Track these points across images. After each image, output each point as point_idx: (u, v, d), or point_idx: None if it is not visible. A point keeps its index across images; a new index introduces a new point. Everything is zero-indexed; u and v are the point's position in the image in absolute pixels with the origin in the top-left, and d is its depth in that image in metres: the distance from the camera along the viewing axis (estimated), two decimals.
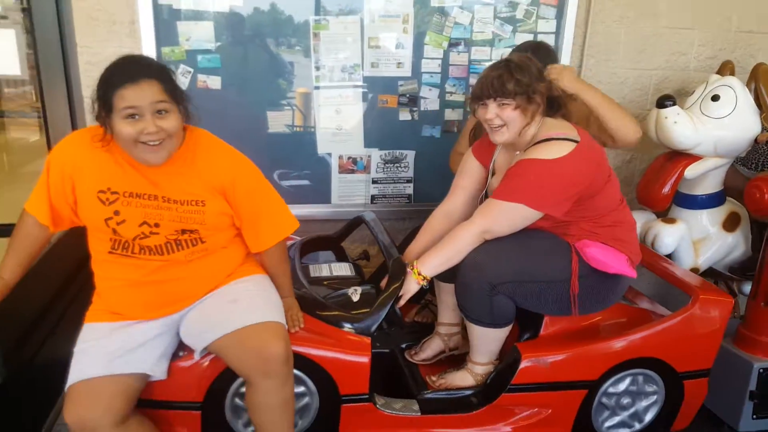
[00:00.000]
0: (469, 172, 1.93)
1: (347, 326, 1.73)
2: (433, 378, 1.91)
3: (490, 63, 1.74)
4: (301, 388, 1.70)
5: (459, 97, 2.56)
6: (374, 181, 2.59)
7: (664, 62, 2.76)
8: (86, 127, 1.61)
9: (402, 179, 2.62)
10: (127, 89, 1.33)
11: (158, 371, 1.54)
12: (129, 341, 1.52)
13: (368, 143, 2.54)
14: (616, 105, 2.06)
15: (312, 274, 2.03)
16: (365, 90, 2.47)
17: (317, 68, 2.41)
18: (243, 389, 1.63)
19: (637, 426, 1.93)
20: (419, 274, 1.71)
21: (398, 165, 2.59)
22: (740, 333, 2.30)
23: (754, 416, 2.20)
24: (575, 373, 1.80)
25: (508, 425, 1.83)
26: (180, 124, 1.43)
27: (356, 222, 2.31)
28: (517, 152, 1.76)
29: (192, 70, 2.31)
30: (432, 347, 2.03)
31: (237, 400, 1.67)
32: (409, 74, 2.49)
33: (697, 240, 2.51)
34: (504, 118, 1.66)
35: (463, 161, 1.97)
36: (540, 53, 2.02)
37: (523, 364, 1.75)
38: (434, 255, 1.72)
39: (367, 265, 2.41)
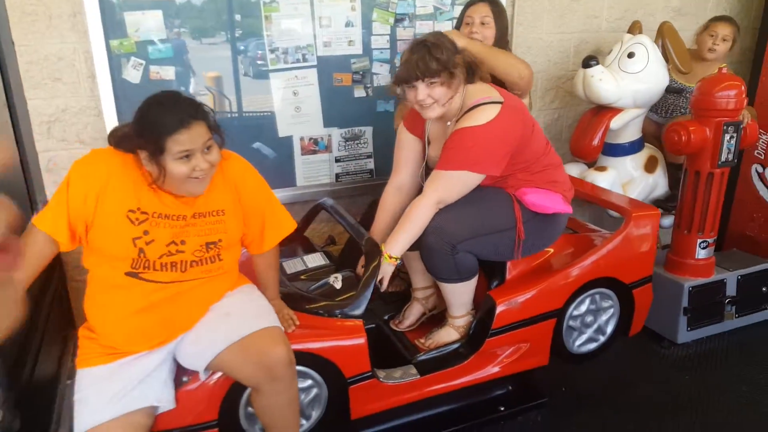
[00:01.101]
0: (407, 146, 2.05)
1: (338, 313, 1.80)
2: (422, 341, 2.06)
3: (408, 45, 1.84)
4: (308, 382, 1.75)
5: None
6: (337, 160, 2.66)
7: (582, 25, 3.05)
8: (118, 150, 1.53)
9: (363, 155, 2.71)
10: (181, 134, 1.39)
11: (165, 400, 1.55)
12: (130, 378, 1.51)
13: (327, 122, 2.60)
14: (501, 52, 2.25)
15: (289, 271, 2.07)
16: (320, 69, 2.51)
17: (271, 51, 2.41)
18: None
19: (602, 338, 2.22)
20: (390, 257, 1.82)
21: (358, 142, 2.68)
22: (669, 259, 2.70)
23: (689, 328, 2.62)
24: (543, 305, 2.02)
25: (496, 366, 2.03)
26: (220, 153, 1.50)
27: (316, 210, 2.38)
28: (449, 122, 1.90)
29: (144, 62, 2.23)
30: (413, 313, 2.19)
31: (250, 409, 1.70)
32: (360, 51, 2.56)
33: (625, 183, 2.86)
34: (434, 96, 1.78)
35: (399, 137, 2.09)
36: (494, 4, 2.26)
37: (499, 309, 1.94)
38: (398, 235, 1.83)
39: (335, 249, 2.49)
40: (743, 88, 2.39)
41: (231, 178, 1.61)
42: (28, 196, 2.29)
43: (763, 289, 2.75)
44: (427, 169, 2.02)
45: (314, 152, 2.62)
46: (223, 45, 2.35)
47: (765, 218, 3.21)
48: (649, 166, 2.89)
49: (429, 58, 1.73)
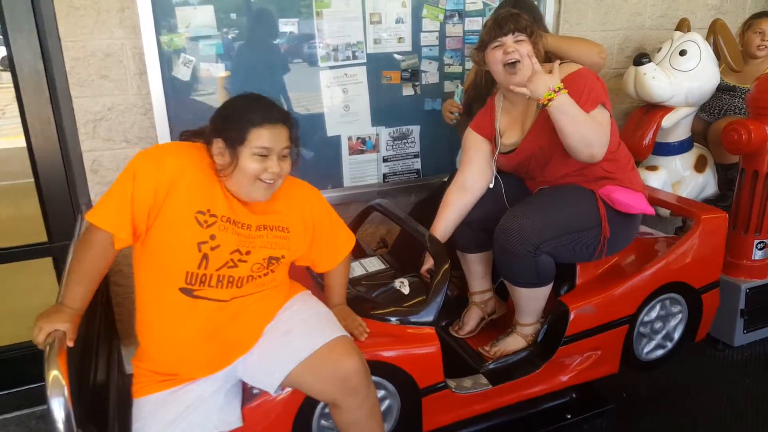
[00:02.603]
0: (473, 146, 2.02)
1: (409, 320, 1.73)
2: (486, 348, 2.00)
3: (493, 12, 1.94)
4: (381, 392, 1.67)
5: (456, 68, 2.62)
6: (384, 160, 2.60)
7: (625, 23, 3.01)
8: (184, 142, 1.48)
9: (410, 155, 2.64)
10: (266, 129, 1.38)
11: (226, 423, 1.47)
12: (186, 404, 1.44)
13: (375, 121, 2.53)
14: (572, 38, 2.28)
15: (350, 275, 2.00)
16: (369, 67, 2.45)
17: (322, 48, 2.34)
18: (327, 410, 1.60)
19: (669, 345, 2.17)
20: (556, 91, 1.67)
21: (405, 141, 2.61)
22: (726, 260, 2.64)
23: (745, 331, 2.57)
24: (616, 311, 1.97)
25: (566, 375, 1.97)
26: (290, 166, 1.47)
27: (367, 211, 2.31)
28: (528, 97, 1.77)
29: (194, 59, 2.15)
30: (473, 318, 2.13)
31: (323, 422, 1.63)
32: (409, 49, 2.50)
33: (675, 183, 2.81)
34: (521, 52, 1.75)
35: (465, 139, 2.06)
36: (522, 5, 2.17)
37: (572, 315, 1.88)
38: (572, 106, 1.69)
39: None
40: None
41: (297, 202, 1.57)
42: (70, 198, 2.21)
43: None
44: (500, 161, 2.00)
45: (362, 152, 2.55)
46: (274, 42, 2.27)
47: None
48: (699, 166, 2.84)
49: (518, 15, 1.77)
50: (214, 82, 2.21)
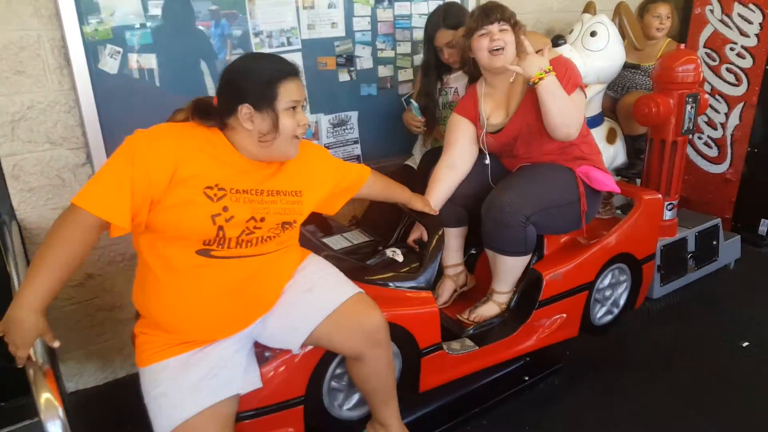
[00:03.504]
0: (457, 128, 2.14)
1: (408, 284, 1.81)
2: (464, 315, 2.11)
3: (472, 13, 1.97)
4: None
5: (389, 53, 2.65)
6: (326, 147, 2.58)
7: (537, 6, 3.19)
8: (175, 123, 1.43)
9: (350, 141, 2.65)
10: (292, 82, 1.38)
11: (249, 384, 1.49)
12: (210, 366, 1.43)
13: (314, 109, 2.51)
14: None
15: (336, 247, 2.04)
16: (305, 53, 2.41)
17: (255, 35, 2.27)
18: (338, 371, 1.64)
19: (615, 311, 2.41)
20: (546, 72, 1.85)
21: (344, 127, 2.61)
22: None
23: (662, 284, 2.86)
24: (579, 278, 2.16)
25: (536, 336, 2.13)
26: None
27: None
28: (511, 79, 2.02)
29: (121, 49, 2.01)
30: (446, 289, 2.23)
31: (333, 383, 1.67)
32: (343, 34, 2.49)
33: None
34: (505, 41, 1.91)
35: (449, 123, 2.17)
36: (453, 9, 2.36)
37: (545, 281, 2.05)
38: (558, 89, 1.88)
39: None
40: (699, 62, 2.63)
41: (307, 163, 1.57)
42: None
43: (714, 242, 3.07)
44: (488, 140, 2.11)
45: None
46: (205, 29, 2.17)
47: (696, 179, 3.59)
48: (610, 138, 3.09)
49: (503, 6, 1.91)
50: (144, 73, 2.07)
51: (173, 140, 1.35)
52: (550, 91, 1.86)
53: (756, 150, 3.37)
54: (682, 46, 2.65)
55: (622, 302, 2.40)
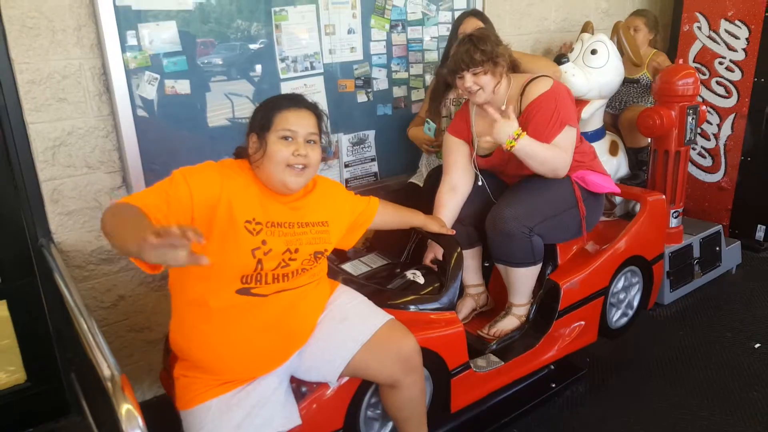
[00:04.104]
0: (454, 150, 2.21)
1: (431, 306, 1.84)
2: (485, 331, 2.17)
3: (457, 41, 2.06)
4: None
5: (403, 75, 2.77)
6: (346, 165, 2.68)
7: (535, 27, 3.35)
8: (213, 162, 1.50)
9: (367, 159, 2.75)
10: (290, 112, 1.45)
11: (289, 421, 1.52)
12: (251, 406, 1.46)
13: (335, 128, 2.60)
14: (534, 57, 2.71)
15: (356, 273, 2.07)
16: (326, 76, 2.52)
17: (282, 60, 2.38)
18: (373, 400, 1.69)
19: (630, 313, 2.50)
20: (516, 139, 1.91)
21: (362, 146, 2.71)
22: None
23: (671, 290, 2.98)
24: (595, 284, 2.25)
25: (557, 346, 2.20)
26: (320, 158, 1.51)
27: None
28: (502, 106, 2.05)
29: (158, 76, 2.09)
30: (466, 306, 2.30)
31: (369, 412, 1.71)
32: (361, 57, 2.61)
33: None
34: (480, 83, 1.99)
35: (446, 142, 2.24)
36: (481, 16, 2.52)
37: (563, 291, 2.12)
38: (534, 145, 1.95)
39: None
40: (698, 75, 2.80)
41: (329, 196, 1.65)
42: (26, 233, 2.04)
43: (716, 248, 3.21)
44: (479, 162, 2.18)
45: (323, 159, 2.60)
46: (237, 55, 2.27)
47: (692, 189, 3.75)
48: (612, 150, 3.23)
49: (474, 50, 1.93)
50: (180, 99, 2.15)
51: (217, 174, 1.43)
52: (526, 152, 1.94)
53: (749, 158, 3.54)
54: (681, 61, 2.81)
55: (636, 304, 2.50)
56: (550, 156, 1.97)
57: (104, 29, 1.93)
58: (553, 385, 2.32)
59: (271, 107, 1.46)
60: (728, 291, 3.16)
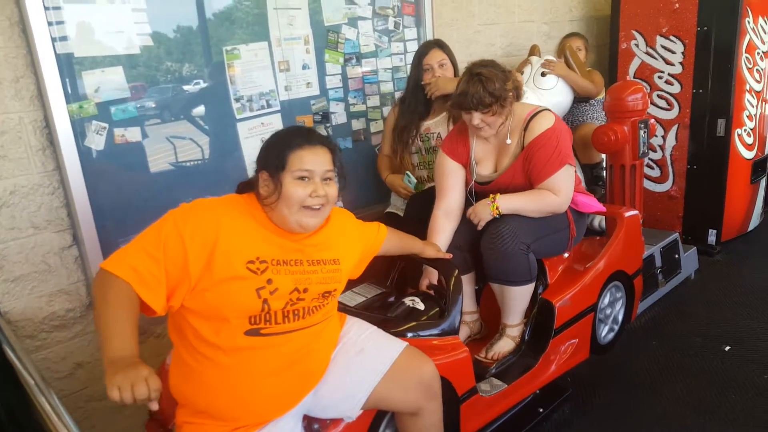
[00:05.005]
0: (450, 173, 2.21)
1: (434, 331, 1.82)
2: (482, 355, 2.15)
3: (463, 77, 2.04)
4: None
5: (360, 107, 2.76)
6: None
7: (483, 52, 3.42)
8: (210, 198, 1.42)
9: None
10: (305, 151, 1.38)
11: None
12: None
13: None
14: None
15: (352, 304, 2.03)
16: (283, 114, 2.47)
17: (236, 100, 2.31)
18: (388, 430, 1.64)
19: (616, 327, 2.54)
20: (497, 208, 2.01)
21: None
22: None
23: (639, 301, 3.03)
24: (585, 301, 2.28)
25: (554, 364, 2.21)
26: (337, 194, 1.46)
27: None
28: (508, 141, 2.11)
29: (107, 125, 1.99)
30: (461, 335, 2.22)
31: None
32: (317, 92, 2.58)
33: None
34: (487, 122, 2.04)
35: (440, 164, 2.24)
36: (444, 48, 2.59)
37: (557, 308, 2.14)
38: (517, 201, 2.04)
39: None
40: (646, 90, 2.91)
41: (338, 229, 1.58)
42: None
43: (675, 255, 3.31)
44: (476, 189, 2.20)
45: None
46: (188, 98, 2.19)
47: (644, 199, 3.87)
48: None
49: (483, 92, 1.94)
50: (131, 147, 2.05)
51: (211, 213, 1.35)
52: (512, 210, 2.04)
53: (695, 166, 3.70)
54: (629, 77, 2.91)
55: (620, 318, 2.54)
56: (541, 204, 2.05)
57: (46, 79, 1.82)
58: (541, 410, 2.30)
59: (283, 145, 1.39)
60: (690, 296, 3.26)
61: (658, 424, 2.23)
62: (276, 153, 1.38)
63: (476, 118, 2.00)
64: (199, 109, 2.23)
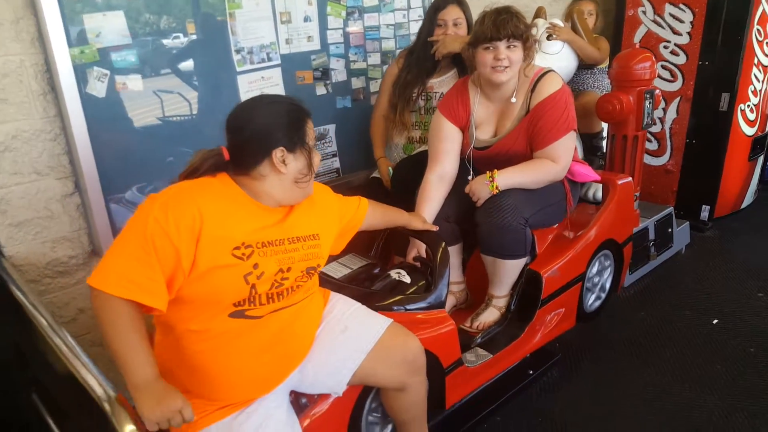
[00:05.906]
0: (447, 137, 2.23)
1: (421, 305, 1.89)
2: (467, 325, 2.26)
3: (485, 11, 2.05)
4: None
5: (361, 65, 2.81)
6: None
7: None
8: (188, 181, 1.44)
9: (329, 154, 2.78)
10: (311, 121, 1.48)
11: None
12: (255, 427, 1.46)
13: None
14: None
15: (337, 276, 2.07)
16: (284, 68, 2.53)
17: (237, 51, 2.36)
18: (374, 404, 1.75)
19: (603, 295, 2.68)
20: (496, 187, 2.05)
21: (324, 141, 2.74)
22: None
23: (630, 272, 3.18)
24: (573, 271, 2.39)
25: (540, 333, 2.34)
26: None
27: None
28: (513, 99, 2.14)
29: (108, 72, 2.04)
30: (447, 305, 2.35)
31: (370, 417, 1.76)
32: (318, 47, 2.63)
33: None
34: (511, 59, 2.02)
35: (436, 126, 2.26)
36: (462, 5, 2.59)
37: (545, 279, 2.25)
38: (514, 174, 2.08)
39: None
40: (654, 59, 3.00)
41: (317, 203, 1.62)
42: None
43: (668, 230, 3.46)
44: (474, 154, 2.23)
45: None
46: (189, 47, 2.24)
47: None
48: None
49: (517, 21, 1.96)
50: (132, 95, 2.10)
51: (190, 202, 1.35)
52: (510, 184, 2.08)
53: (693, 141, 3.82)
54: (638, 45, 2.99)
55: (608, 286, 2.68)
56: (543, 171, 2.10)
57: (47, 20, 1.85)
58: (531, 372, 2.45)
59: (297, 117, 1.46)
60: (681, 270, 3.42)
61: (644, 390, 2.39)
62: (295, 126, 1.44)
63: (502, 50, 1.97)
64: (199, 61, 2.28)
